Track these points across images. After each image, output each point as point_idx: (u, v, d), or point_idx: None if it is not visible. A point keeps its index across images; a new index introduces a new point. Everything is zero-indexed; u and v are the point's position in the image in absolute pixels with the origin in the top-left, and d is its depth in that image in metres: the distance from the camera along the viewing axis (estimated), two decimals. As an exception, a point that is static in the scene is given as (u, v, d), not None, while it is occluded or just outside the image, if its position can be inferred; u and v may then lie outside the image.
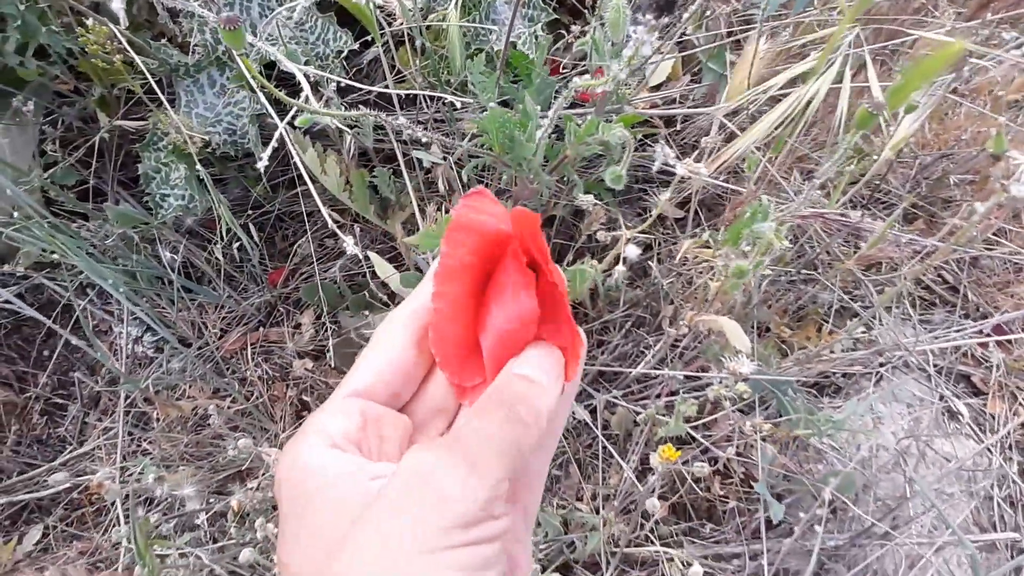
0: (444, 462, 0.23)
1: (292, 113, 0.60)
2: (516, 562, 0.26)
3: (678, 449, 0.92)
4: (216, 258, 1.02)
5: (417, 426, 0.28)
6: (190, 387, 1.00)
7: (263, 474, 0.72)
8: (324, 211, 0.62)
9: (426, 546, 0.21)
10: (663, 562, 0.81)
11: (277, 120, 0.62)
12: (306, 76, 0.63)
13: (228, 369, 1.03)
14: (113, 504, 0.85)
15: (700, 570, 0.50)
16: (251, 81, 0.65)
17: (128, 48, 0.70)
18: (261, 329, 1.08)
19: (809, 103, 0.60)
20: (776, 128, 0.62)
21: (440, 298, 0.26)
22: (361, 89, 0.82)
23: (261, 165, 0.55)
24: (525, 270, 0.27)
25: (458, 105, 0.63)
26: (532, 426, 0.24)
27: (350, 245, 0.61)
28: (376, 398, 0.27)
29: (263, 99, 0.65)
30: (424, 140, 0.57)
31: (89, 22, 0.71)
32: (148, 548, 0.48)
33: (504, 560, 0.23)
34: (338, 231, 0.62)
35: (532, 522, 0.28)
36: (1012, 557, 0.88)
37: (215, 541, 0.80)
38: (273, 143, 0.56)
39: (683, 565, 0.60)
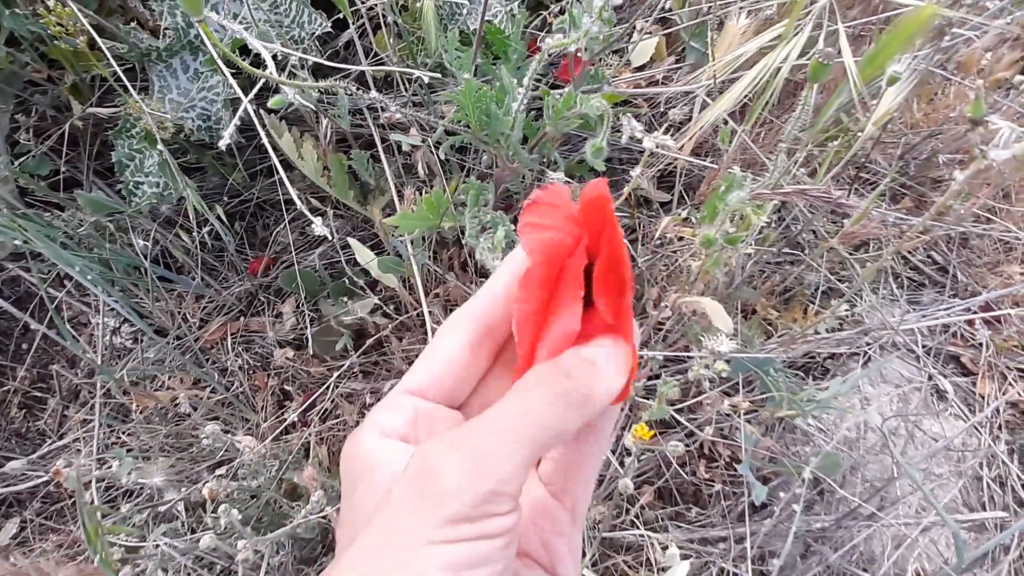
0: (448, 456, 0.22)
1: (257, 88, 0.58)
2: (559, 555, 0.26)
3: (662, 432, 0.91)
4: (194, 247, 1.01)
5: None
6: (169, 378, 0.99)
7: (237, 463, 0.71)
8: (293, 193, 0.61)
9: (420, 539, 0.21)
10: (648, 546, 0.80)
11: (243, 96, 0.61)
12: (273, 56, 0.62)
13: (208, 359, 1.01)
14: (90, 497, 0.84)
15: (676, 551, 0.49)
16: (216, 56, 0.63)
17: (90, 29, 0.68)
18: (242, 318, 1.06)
19: (778, 71, 0.58)
20: (747, 98, 0.61)
21: (523, 302, 0.25)
22: (335, 70, 0.80)
23: (223, 143, 0.53)
24: (578, 281, 0.26)
25: (426, 80, 0.61)
26: (578, 407, 0.23)
27: (319, 226, 0.60)
28: (430, 396, 0.27)
29: (230, 78, 0.63)
30: (399, 117, 0.55)
31: (50, 2, 0.69)
32: (98, 534, 0.47)
33: (509, 556, 0.22)
34: (308, 213, 0.60)
35: (581, 518, 0.28)
36: (1001, 537, 0.87)
37: (193, 532, 0.79)
38: (236, 121, 0.55)
39: (663, 549, 0.60)
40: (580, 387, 0.23)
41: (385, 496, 0.22)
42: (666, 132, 0.52)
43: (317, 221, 0.59)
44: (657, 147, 0.50)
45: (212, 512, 0.76)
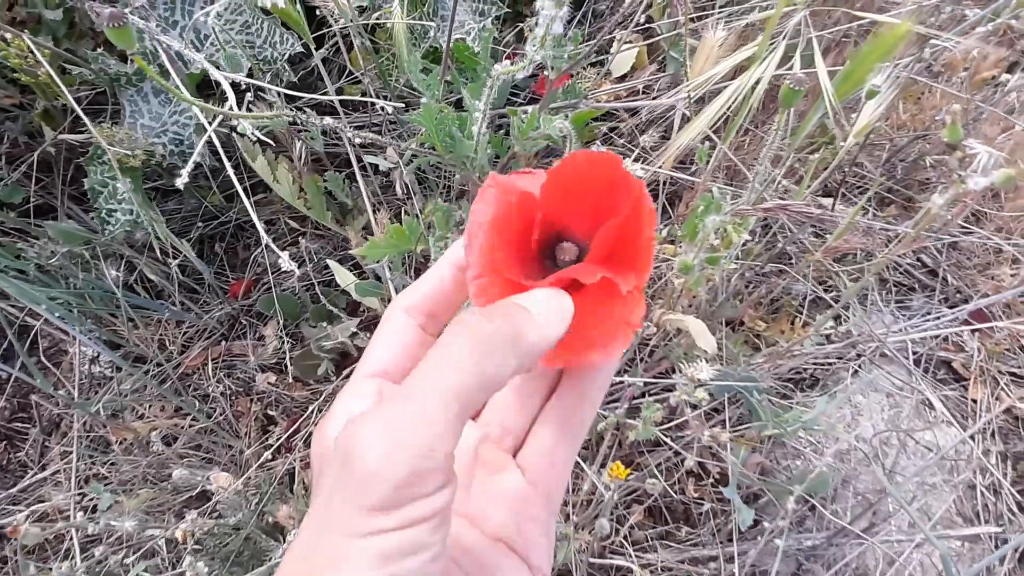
0: (367, 437, 0.20)
1: (216, 121, 0.56)
2: (533, 541, 0.26)
3: (650, 451, 0.90)
4: (172, 272, 0.99)
5: None
6: (150, 407, 0.97)
7: (215, 499, 0.69)
8: (259, 225, 0.59)
9: (349, 532, 0.19)
10: (636, 569, 0.78)
11: (206, 124, 0.59)
12: (234, 84, 0.60)
13: (189, 386, 1.00)
14: (69, 535, 0.83)
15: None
16: (181, 85, 0.62)
17: (44, 63, 0.67)
18: (224, 343, 1.05)
19: (755, 88, 0.57)
20: (728, 111, 0.59)
21: (471, 251, 0.25)
22: (308, 88, 0.79)
23: (180, 182, 0.51)
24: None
25: (389, 110, 0.60)
26: (504, 349, 0.22)
27: (286, 261, 0.58)
28: (391, 377, 0.28)
29: (195, 108, 0.62)
30: (359, 140, 0.54)
31: (7, 35, 0.67)
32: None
33: (443, 539, 0.21)
34: (272, 244, 0.59)
35: (556, 506, 0.28)
36: (996, 548, 0.86)
37: (174, 567, 0.78)
38: (195, 157, 0.53)
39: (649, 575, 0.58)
40: (505, 328, 0.22)
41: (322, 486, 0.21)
42: (637, 159, 0.51)
43: (284, 256, 0.57)
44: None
45: (193, 546, 0.75)
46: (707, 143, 0.65)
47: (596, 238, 0.26)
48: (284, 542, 0.64)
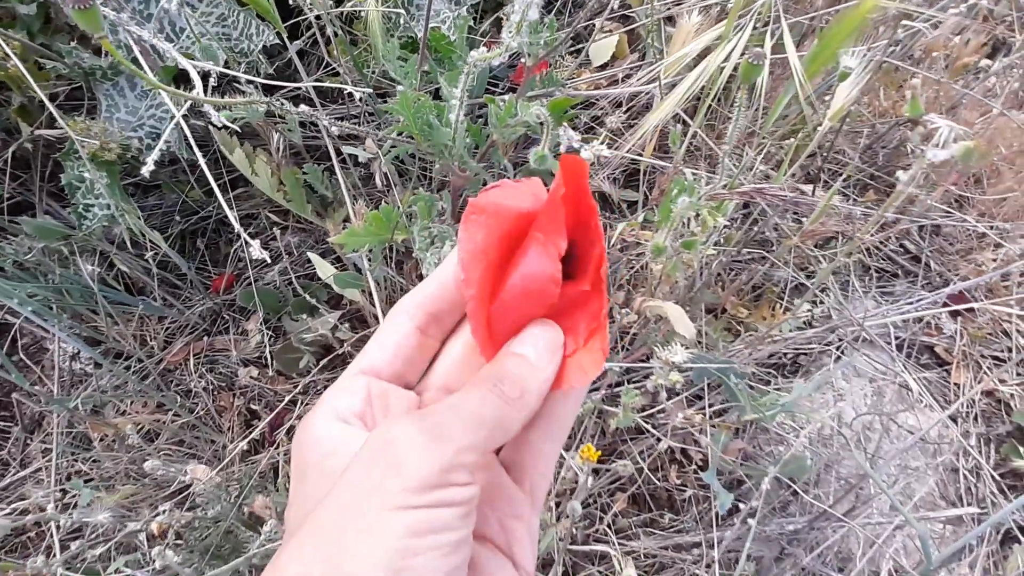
0: (409, 431, 0.23)
1: (184, 107, 0.56)
2: (516, 538, 0.27)
3: (633, 439, 0.90)
4: (154, 267, 0.99)
5: (426, 404, 0.29)
6: (131, 403, 0.97)
7: (193, 491, 0.69)
8: (231, 215, 0.59)
9: (384, 505, 0.22)
10: (616, 555, 0.78)
11: (174, 109, 0.59)
12: (202, 73, 0.60)
13: (172, 382, 0.99)
14: (48, 531, 0.82)
15: (633, 573, 0.48)
16: (151, 76, 0.61)
17: (11, 55, 0.66)
18: (206, 338, 1.04)
19: (722, 69, 0.56)
20: (702, 92, 0.59)
21: (469, 285, 0.25)
22: (286, 80, 0.79)
23: (146, 170, 0.51)
24: (551, 240, 0.26)
25: (357, 96, 0.60)
26: (516, 402, 0.25)
27: (256, 249, 0.58)
28: (382, 376, 0.28)
29: (167, 99, 0.61)
30: (335, 131, 0.53)
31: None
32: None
33: (468, 526, 0.23)
34: (245, 236, 0.58)
35: (539, 503, 0.29)
36: (978, 529, 0.87)
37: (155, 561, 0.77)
38: (160, 144, 0.53)
39: (620, 567, 0.58)
40: (511, 390, 0.25)
41: (343, 472, 0.23)
42: (603, 140, 0.50)
43: (255, 244, 0.57)
44: (596, 156, 0.49)
45: (175, 541, 0.75)
46: (680, 126, 0.65)
47: (592, 266, 0.26)
48: (261, 533, 0.64)
